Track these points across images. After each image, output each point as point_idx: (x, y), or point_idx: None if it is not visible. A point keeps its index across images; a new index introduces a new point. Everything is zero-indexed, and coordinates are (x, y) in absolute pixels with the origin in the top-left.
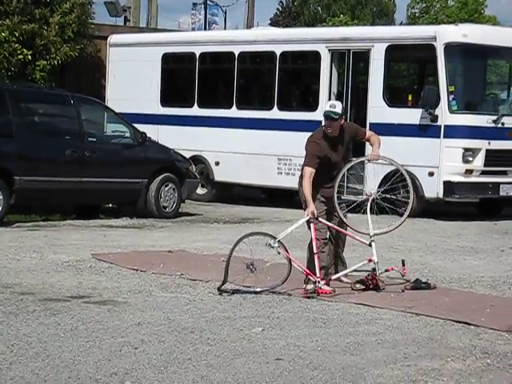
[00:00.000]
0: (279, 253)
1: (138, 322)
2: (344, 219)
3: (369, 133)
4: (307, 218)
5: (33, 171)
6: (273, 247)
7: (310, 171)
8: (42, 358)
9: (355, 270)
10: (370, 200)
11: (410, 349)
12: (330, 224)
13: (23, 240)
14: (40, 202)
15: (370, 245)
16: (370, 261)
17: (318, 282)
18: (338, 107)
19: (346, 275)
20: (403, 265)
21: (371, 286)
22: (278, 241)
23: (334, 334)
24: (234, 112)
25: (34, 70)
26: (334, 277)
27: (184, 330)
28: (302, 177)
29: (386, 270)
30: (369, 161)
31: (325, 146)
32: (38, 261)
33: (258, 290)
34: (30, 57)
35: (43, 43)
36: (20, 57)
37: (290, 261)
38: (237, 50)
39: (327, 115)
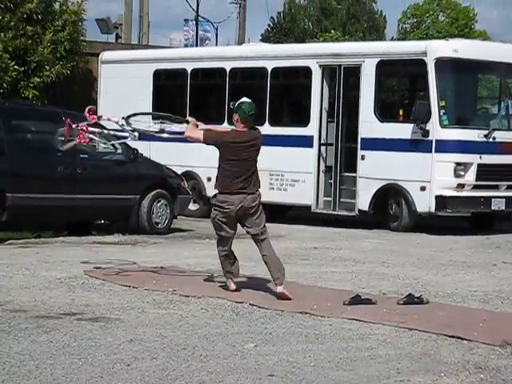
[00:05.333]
0: None
1: (131, 338)
2: None
3: None
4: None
5: (25, 188)
6: None
7: None
8: (35, 375)
9: None
10: None
11: (403, 364)
12: None
13: (15, 257)
14: (32, 219)
15: None
16: None
17: None
18: None
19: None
20: None
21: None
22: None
23: (326, 349)
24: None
25: (26, 87)
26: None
27: (176, 346)
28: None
29: None
30: None
31: None
32: (30, 278)
33: None
34: (22, 74)
35: (36, 60)
36: (13, 74)
37: None
38: (228, 66)
39: None
